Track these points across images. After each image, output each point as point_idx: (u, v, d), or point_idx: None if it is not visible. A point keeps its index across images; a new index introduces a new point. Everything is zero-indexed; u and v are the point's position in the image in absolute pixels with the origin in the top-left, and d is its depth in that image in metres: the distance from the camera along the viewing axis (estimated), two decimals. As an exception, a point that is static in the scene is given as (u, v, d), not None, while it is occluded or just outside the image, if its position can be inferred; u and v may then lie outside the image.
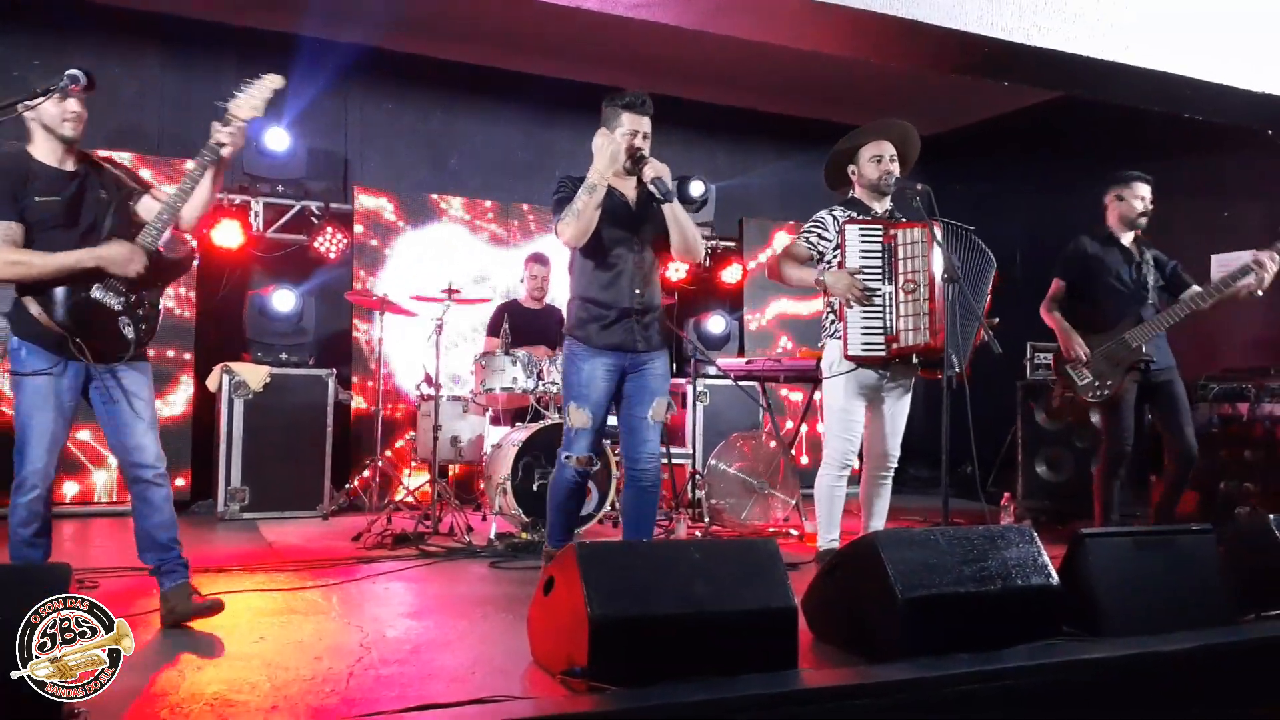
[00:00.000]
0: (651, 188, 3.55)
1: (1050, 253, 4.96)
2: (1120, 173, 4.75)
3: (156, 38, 6.32)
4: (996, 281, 4.08)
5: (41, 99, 2.93)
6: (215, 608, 3.12)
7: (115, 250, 3.00)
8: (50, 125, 3.04)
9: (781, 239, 7.77)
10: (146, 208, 3.21)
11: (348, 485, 6.27)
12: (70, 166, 3.11)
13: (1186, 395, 4.68)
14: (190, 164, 3.14)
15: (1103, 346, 4.61)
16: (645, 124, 3.63)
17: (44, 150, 3.08)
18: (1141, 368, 4.55)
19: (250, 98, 3.12)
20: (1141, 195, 4.68)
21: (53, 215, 3.02)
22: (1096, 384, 4.60)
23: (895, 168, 4.10)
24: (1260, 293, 4.38)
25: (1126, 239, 4.74)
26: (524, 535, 4.89)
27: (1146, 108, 5.48)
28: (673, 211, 3.59)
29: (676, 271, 7.63)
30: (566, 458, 3.68)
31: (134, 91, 6.23)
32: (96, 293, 3.00)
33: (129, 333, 3.03)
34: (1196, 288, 4.61)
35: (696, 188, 7.52)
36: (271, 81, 3.14)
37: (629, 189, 3.69)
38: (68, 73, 2.95)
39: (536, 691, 2.56)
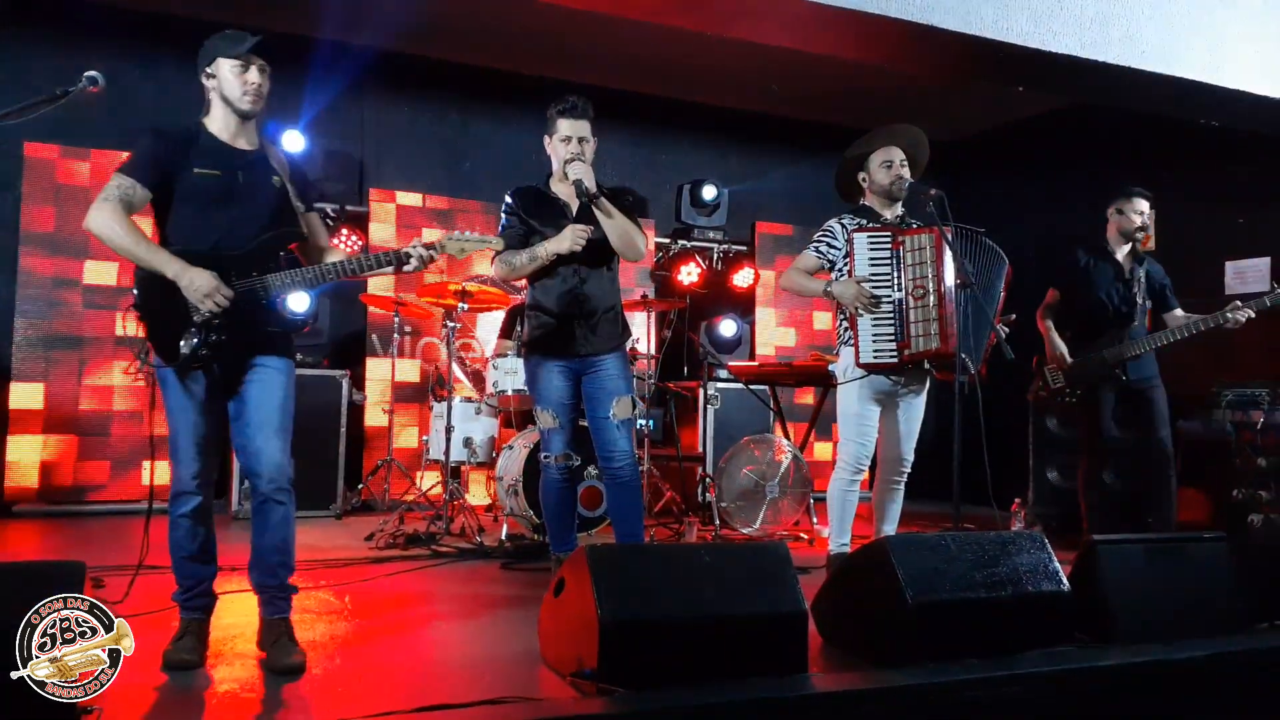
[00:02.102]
0: (573, 187, 3.57)
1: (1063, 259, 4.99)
2: (1122, 185, 4.92)
3: (171, 40, 6.35)
4: (1010, 278, 4.08)
5: (53, 103, 2.79)
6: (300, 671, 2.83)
7: (202, 280, 2.76)
8: (230, 98, 2.88)
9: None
10: (310, 223, 3.08)
11: (360, 485, 6.29)
12: (243, 145, 2.94)
13: (1167, 404, 4.82)
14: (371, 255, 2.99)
15: (1079, 359, 4.84)
16: (582, 128, 3.64)
17: (219, 124, 2.92)
18: (1118, 377, 4.75)
19: (462, 242, 3.08)
20: (1140, 210, 4.85)
21: (211, 190, 2.84)
22: (1066, 390, 4.89)
23: (906, 172, 4.08)
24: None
25: (1122, 253, 4.90)
26: (535, 537, 4.91)
27: (1162, 114, 5.47)
28: (598, 212, 3.59)
29: (689, 275, 7.64)
30: (545, 457, 3.77)
31: (151, 93, 6.27)
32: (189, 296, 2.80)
33: (184, 347, 2.78)
34: (1180, 314, 4.84)
35: (709, 191, 7.52)
36: (489, 240, 3.19)
37: (569, 194, 3.69)
38: (86, 74, 2.90)
39: (546, 693, 2.57)
